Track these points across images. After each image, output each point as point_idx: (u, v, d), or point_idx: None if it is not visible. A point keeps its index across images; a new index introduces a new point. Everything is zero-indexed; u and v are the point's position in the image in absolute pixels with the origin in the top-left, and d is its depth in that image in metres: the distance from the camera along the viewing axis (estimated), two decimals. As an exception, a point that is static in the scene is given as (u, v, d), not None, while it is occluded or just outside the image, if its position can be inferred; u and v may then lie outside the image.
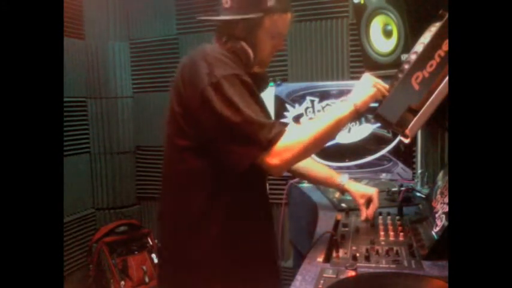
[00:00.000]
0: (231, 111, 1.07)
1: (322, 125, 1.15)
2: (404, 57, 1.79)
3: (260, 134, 1.07)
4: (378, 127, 2.17)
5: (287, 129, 1.12)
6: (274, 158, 1.08)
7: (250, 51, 1.21)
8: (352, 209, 1.59)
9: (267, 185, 1.42)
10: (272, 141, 1.08)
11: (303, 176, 1.63)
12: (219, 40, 1.24)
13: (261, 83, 1.31)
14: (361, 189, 1.51)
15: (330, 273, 1.04)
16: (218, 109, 1.07)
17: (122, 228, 2.82)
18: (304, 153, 1.16)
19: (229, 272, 1.21)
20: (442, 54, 1.09)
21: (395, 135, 2.11)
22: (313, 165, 1.60)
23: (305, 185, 2.15)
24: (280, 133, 1.09)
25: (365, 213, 1.46)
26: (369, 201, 1.48)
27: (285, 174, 2.27)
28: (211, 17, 1.25)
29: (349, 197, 1.75)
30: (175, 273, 1.26)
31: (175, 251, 1.26)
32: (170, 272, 1.28)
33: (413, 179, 2.10)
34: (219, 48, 1.21)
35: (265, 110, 1.18)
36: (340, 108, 1.19)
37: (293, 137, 1.11)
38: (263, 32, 1.22)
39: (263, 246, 1.29)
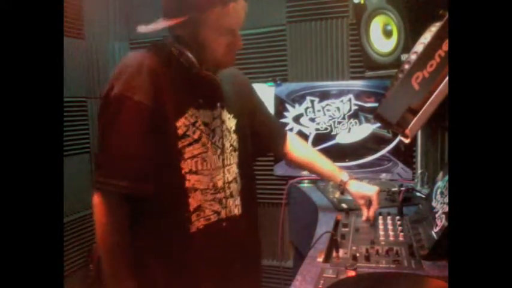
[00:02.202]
0: (101, 133, 1.12)
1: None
2: (404, 57, 1.78)
3: (100, 172, 1.13)
4: (378, 127, 2.17)
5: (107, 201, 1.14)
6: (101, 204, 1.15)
7: (189, 54, 1.13)
8: (352, 209, 1.59)
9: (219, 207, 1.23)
10: (97, 187, 1.14)
11: (307, 168, 1.60)
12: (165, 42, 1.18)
13: (211, 84, 1.22)
14: (360, 189, 1.50)
15: (330, 273, 1.04)
16: (98, 123, 1.13)
17: (121, 228, 2.82)
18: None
19: None
20: (442, 54, 1.10)
21: (395, 135, 2.11)
22: (318, 159, 1.56)
23: (305, 185, 2.16)
24: (127, 188, 1.09)
25: (366, 213, 1.46)
26: (369, 201, 1.48)
27: (285, 174, 2.28)
28: (150, 28, 1.14)
29: (349, 197, 1.76)
30: None
31: None
32: None
33: (413, 179, 2.10)
34: (142, 56, 1.14)
35: (134, 152, 1.10)
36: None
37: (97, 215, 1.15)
38: (208, 31, 1.12)
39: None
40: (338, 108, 2.27)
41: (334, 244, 1.20)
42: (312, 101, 2.31)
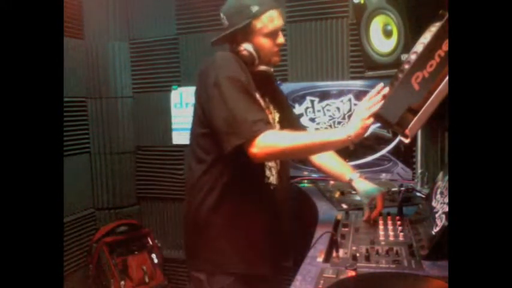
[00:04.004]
0: (223, 106, 1.31)
1: (309, 141, 1.31)
2: (404, 57, 1.79)
3: (242, 127, 1.28)
4: (378, 127, 2.17)
5: (276, 130, 1.36)
6: (254, 148, 1.27)
7: (253, 51, 1.42)
8: (352, 209, 1.59)
9: (269, 173, 1.48)
10: (254, 134, 1.27)
11: (318, 168, 1.67)
12: (231, 47, 1.48)
13: (265, 79, 1.49)
14: (367, 189, 1.51)
15: (330, 273, 1.04)
16: (215, 104, 1.33)
17: (122, 228, 2.82)
18: (282, 155, 1.41)
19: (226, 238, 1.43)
20: (442, 54, 1.09)
21: (395, 135, 2.11)
22: (330, 158, 1.63)
23: (305, 185, 2.16)
24: (261, 129, 1.27)
25: (368, 213, 1.46)
26: (373, 202, 1.48)
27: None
28: (217, 37, 1.49)
29: (348, 197, 1.76)
30: (186, 234, 1.56)
31: (186, 214, 1.54)
32: (185, 232, 1.56)
33: (413, 179, 2.10)
34: (228, 54, 1.43)
35: (256, 108, 1.34)
36: (335, 133, 1.29)
37: (279, 138, 1.31)
38: (257, 35, 1.42)
39: (256, 224, 1.45)
40: (338, 108, 2.27)
41: (334, 244, 1.19)
42: (312, 101, 2.31)
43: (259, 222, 1.46)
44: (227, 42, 1.49)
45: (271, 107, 1.54)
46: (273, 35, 1.44)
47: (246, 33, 1.42)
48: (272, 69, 1.52)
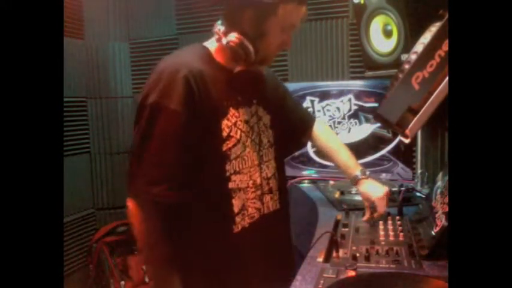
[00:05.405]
0: (138, 138, 1.08)
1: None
2: (404, 57, 1.78)
3: (135, 179, 1.08)
4: (378, 127, 2.17)
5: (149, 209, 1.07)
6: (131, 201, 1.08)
7: (250, 46, 1.12)
8: (352, 209, 1.59)
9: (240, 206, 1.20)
10: (134, 194, 1.08)
11: (326, 156, 1.59)
12: (219, 31, 1.15)
13: (254, 78, 1.20)
14: (369, 190, 1.45)
15: (330, 273, 1.04)
16: (135, 130, 1.10)
17: (121, 228, 2.82)
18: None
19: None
20: (442, 54, 1.09)
21: (395, 135, 2.11)
22: (340, 149, 1.52)
23: (305, 185, 2.16)
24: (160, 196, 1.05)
25: (368, 214, 1.45)
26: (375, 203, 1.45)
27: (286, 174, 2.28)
28: None
29: (348, 197, 1.76)
30: None
31: None
32: None
33: (413, 179, 2.10)
34: (184, 58, 1.13)
35: (172, 161, 1.07)
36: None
37: (140, 218, 1.08)
38: (274, 22, 1.12)
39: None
40: (338, 108, 2.27)
41: (334, 244, 1.19)
42: (312, 101, 2.31)
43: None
44: (230, 12, 1.15)
45: (261, 109, 1.28)
46: (288, 31, 1.17)
47: (262, 13, 1.10)
48: (263, 69, 1.25)
